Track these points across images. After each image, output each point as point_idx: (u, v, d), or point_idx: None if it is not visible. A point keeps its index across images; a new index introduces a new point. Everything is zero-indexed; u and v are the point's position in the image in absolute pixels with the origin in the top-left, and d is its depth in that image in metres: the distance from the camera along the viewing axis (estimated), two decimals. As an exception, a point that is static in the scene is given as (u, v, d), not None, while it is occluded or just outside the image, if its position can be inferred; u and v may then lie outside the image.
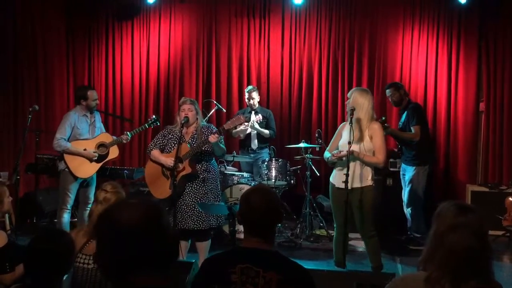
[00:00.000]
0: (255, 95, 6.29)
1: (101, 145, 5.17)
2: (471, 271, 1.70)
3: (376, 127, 4.17)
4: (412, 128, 5.52)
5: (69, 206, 5.14)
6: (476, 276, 1.70)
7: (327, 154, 4.32)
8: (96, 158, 5.11)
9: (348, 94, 4.32)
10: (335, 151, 4.19)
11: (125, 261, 1.32)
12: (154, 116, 5.42)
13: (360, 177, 4.12)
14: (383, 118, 5.51)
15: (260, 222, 2.15)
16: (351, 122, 4.05)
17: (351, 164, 4.04)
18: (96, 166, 5.15)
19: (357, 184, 4.12)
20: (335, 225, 4.35)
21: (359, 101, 4.14)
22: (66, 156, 5.06)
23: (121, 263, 1.32)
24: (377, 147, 4.12)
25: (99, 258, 1.36)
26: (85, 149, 5.08)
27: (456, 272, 1.70)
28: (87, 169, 5.11)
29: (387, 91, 5.79)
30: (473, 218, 1.74)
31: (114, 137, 5.29)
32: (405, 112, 5.65)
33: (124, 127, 7.19)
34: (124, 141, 5.30)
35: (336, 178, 4.23)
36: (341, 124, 4.43)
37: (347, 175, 3.97)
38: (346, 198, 4.02)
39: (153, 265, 1.34)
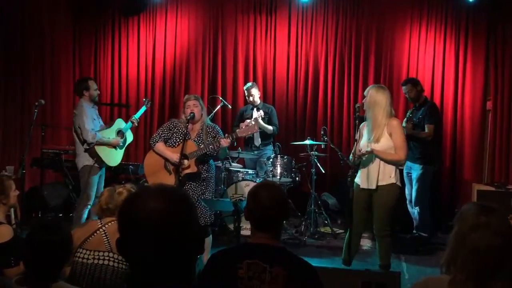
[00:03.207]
0: (254, 91, 6.25)
1: (119, 132, 5.37)
2: (494, 271, 1.66)
3: (395, 123, 4.08)
4: (426, 126, 5.51)
5: (91, 202, 5.16)
6: (501, 277, 1.66)
7: (351, 157, 4.26)
8: (121, 144, 5.33)
9: (365, 92, 4.25)
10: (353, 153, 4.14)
11: (148, 260, 1.23)
12: (144, 99, 5.87)
13: (384, 175, 4.06)
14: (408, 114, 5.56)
15: (267, 217, 2.15)
16: (356, 120, 4.03)
17: (374, 163, 4.04)
18: (121, 153, 5.35)
19: (380, 183, 4.07)
20: (350, 225, 4.25)
21: (376, 98, 4.06)
22: (97, 148, 5.13)
23: (144, 263, 1.24)
24: (397, 144, 4.03)
25: (123, 253, 1.28)
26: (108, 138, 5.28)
27: (479, 273, 1.66)
28: (115, 157, 5.30)
29: (404, 87, 5.76)
30: (495, 217, 1.71)
31: (126, 123, 5.49)
32: (422, 109, 5.62)
33: (121, 115, 7.31)
34: (136, 124, 5.54)
35: (360, 178, 4.18)
36: (362, 124, 4.30)
37: (352, 173, 3.96)
38: (352, 195, 4.02)
39: (177, 266, 1.25)
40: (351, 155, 4.28)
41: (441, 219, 6.20)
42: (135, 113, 5.65)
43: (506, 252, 1.68)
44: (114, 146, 5.27)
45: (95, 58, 7.58)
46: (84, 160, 5.14)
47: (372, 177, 4.06)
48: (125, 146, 5.44)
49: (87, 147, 5.10)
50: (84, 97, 5.25)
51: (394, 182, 4.08)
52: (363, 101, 4.23)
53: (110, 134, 5.29)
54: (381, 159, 4.05)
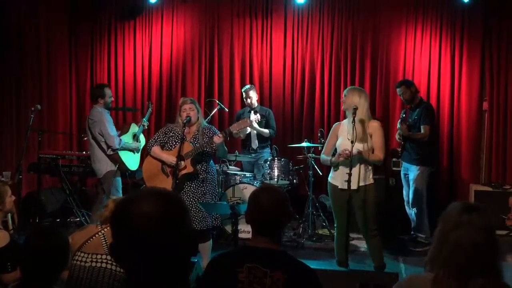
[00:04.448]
0: (252, 93, 6.26)
1: (134, 136, 5.41)
2: (477, 268, 1.68)
3: (376, 125, 4.19)
4: (422, 127, 5.52)
5: None
6: (483, 273, 1.68)
7: (324, 156, 4.31)
8: (139, 148, 5.41)
9: (344, 92, 4.31)
10: (340, 151, 4.15)
11: (142, 264, 1.23)
12: (148, 102, 6.02)
13: (364, 176, 4.14)
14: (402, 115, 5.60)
15: (269, 221, 2.15)
16: (353, 121, 4.04)
17: (356, 164, 4.06)
18: (138, 157, 5.39)
19: (361, 183, 4.13)
20: (335, 225, 4.33)
21: (357, 100, 4.13)
22: (120, 153, 5.20)
23: (138, 266, 1.24)
24: (377, 145, 4.15)
25: (117, 257, 1.28)
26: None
27: (461, 269, 1.68)
28: (135, 161, 5.34)
29: (398, 89, 5.77)
30: (478, 215, 1.74)
31: (139, 127, 5.55)
32: (417, 110, 5.64)
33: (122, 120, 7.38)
34: (146, 127, 5.62)
35: (338, 179, 4.19)
36: (334, 125, 4.43)
37: (349, 174, 3.96)
38: (349, 198, 4.02)
39: (171, 268, 1.25)
40: (322, 155, 4.33)
41: (438, 220, 6.21)
42: (138, 117, 5.75)
43: (488, 249, 1.71)
44: (133, 150, 5.33)
45: (92, 62, 7.56)
46: (106, 166, 5.18)
47: (353, 178, 4.04)
48: (141, 149, 5.51)
49: (111, 153, 5.15)
50: (98, 104, 5.28)
51: (372, 182, 4.20)
52: (342, 101, 4.28)
53: (127, 139, 5.35)
54: (366, 159, 4.11)
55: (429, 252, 1.82)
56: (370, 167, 4.19)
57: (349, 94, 4.21)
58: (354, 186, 4.07)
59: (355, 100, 4.13)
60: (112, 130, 5.17)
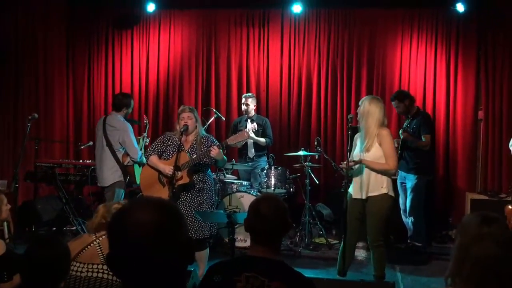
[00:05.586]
0: (251, 101, 6.29)
1: (141, 149, 5.40)
2: (499, 281, 1.65)
3: (385, 133, 4.10)
4: (423, 136, 5.54)
5: None
6: (506, 286, 1.65)
7: None
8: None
9: (360, 102, 4.30)
10: (343, 163, 4.16)
11: (138, 272, 1.24)
12: (145, 117, 6.18)
13: (375, 185, 4.07)
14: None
15: (268, 231, 2.15)
16: (349, 130, 4.07)
17: (365, 173, 4.06)
18: (140, 170, 5.33)
19: (370, 193, 4.09)
20: (344, 235, 4.26)
21: (369, 108, 4.11)
22: (134, 166, 5.18)
23: (134, 275, 1.24)
24: (387, 154, 4.05)
25: (113, 266, 1.28)
26: None
27: (485, 283, 1.65)
28: (139, 174, 5.27)
29: (393, 103, 5.81)
30: (497, 227, 1.71)
31: (143, 141, 5.58)
32: (415, 120, 5.65)
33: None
34: (147, 143, 5.65)
35: (353, 188, 4.20)
36: (356, 134, 4.35)
37: (346, 183, 3.97)
38: (346, 205, 4.03)
39: (168, 276, 1.26)
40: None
41: (435, 228, 6.22)
42: (135, 129, 5.79)
43: (510, 261, 1.67)
44: (140, 164, 5.28)
45: (89, 71, 7.57)
46: (116, 175, 5.12)
47: (363, 187, 4.08)
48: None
49: (129, 164, 5.13)
50: (120, 112, 5.22)
51: (386, 192, 4.08)
52: (356, 111, 4.28)
53: None
54: (371, 168, 4.07)
55: (449, 266, 1.78)
56: (383, 177, 4.07)
57: (361, 103, 4.21)
58: (363, 195, 4.09)
59: (365, 108, 4.12)
60: (136, 142, 5.13)
